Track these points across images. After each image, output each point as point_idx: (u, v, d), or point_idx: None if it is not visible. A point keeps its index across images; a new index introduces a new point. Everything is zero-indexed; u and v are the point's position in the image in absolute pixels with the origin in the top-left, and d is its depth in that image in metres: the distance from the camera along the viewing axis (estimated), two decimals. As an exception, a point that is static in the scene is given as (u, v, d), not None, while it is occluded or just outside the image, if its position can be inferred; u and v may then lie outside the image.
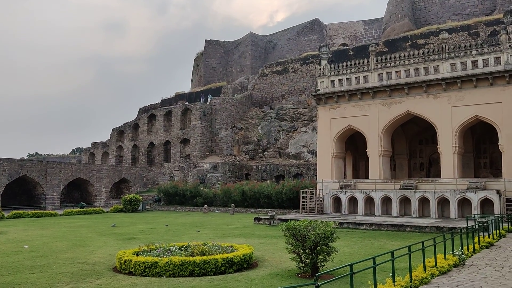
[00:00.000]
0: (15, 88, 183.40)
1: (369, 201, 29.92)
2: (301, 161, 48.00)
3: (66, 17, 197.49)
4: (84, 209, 38.42)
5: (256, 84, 61.47)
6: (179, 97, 64.65)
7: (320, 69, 33.65)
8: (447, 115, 28.16)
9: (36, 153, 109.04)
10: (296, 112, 53.17)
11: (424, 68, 29.26)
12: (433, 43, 46.12)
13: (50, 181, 41.83)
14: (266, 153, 51.89)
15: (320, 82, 33.31)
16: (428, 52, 29.80)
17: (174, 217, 33.15)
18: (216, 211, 39.17)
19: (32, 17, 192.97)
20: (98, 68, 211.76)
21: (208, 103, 54.77)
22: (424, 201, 27.89)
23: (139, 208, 40.69)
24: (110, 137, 61.07)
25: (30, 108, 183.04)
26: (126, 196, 40.51)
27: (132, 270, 11.71)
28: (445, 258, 11.88)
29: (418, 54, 30.13)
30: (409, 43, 49.08)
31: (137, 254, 12.82)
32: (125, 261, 11.97)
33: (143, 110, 66.86)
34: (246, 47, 71.65)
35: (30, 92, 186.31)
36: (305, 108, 53.57)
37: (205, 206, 38.79)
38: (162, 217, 33.81)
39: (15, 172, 39.37)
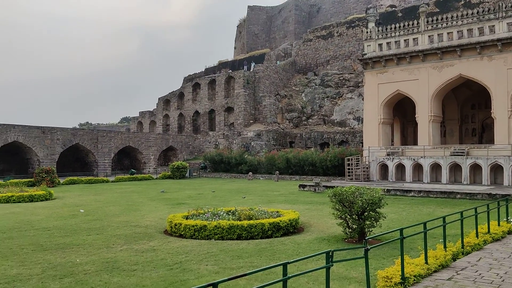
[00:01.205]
0: (65, 59, 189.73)
1: (417, 168, 29.18)
2: (347, 128, 47.26)
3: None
4: (134, 175, 39.84)
5: (300, 50, 60.40)
6: (223, 65, 64.69)
7: (367, 32, 32.49)
8: (502, 78, 26.62)
9: (87, 122, 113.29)
10: (341, 78, 52.04)
11: (478, 28, 27.59)
12: (488, 2, 43.29)
13: (101, 149, 43.50)
14: (310, 120, 51.41)
15: (367, 46, 32.22)
16: (483, 11, 28.01)
17: (220, 184, 33.78)
18: (261, 178, 39.55)
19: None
20: (143, 37, 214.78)
21: (251, 70, 54.53)
22: (475, 168, 26.89)
23: (186, 175, 41.73)
24: (157, 106, 62.39)
25: (79, 79, 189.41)
26: (173, 163, 41.57)
27: (182, 233, 12.09)
28: (498, 225, 11.48)
29: (472, 13, 28.37)
30: (462, 2, 46.32)
31: (187, 218, 13.19)
32: (175, 225, 12.35)
33: (187, 79, 67.54)
34: (289, 12, 70.18)
35: (79, 63, 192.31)
36: (350, 73, 52.30)
37: (250, 173, 39.22)
38: (208, 183, 34.54)
39: (69, 141, 41.16)
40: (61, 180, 34.13)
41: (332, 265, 5.57)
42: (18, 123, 38.62)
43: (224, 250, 10.34)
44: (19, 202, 21.46)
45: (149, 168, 47.73)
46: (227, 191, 27.44)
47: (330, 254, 5.53)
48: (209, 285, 3.82)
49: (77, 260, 9.48)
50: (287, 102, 53.16)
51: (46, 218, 15.81)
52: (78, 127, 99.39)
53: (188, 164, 43.12)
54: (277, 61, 59.70)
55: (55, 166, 38.71)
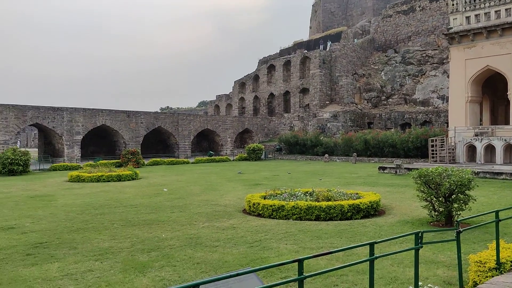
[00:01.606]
0: (143, 45, 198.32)
1: (509, 149, 26.99)
2: (430, 107, 44.84)
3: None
4: (212, 157, 40.97)
5: (379, 27, 57.95)
6: (298, 45, 63.93)
7: (452, 4, 30.26)
8: None
9: (167, 106, 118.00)
10: (424, 55, 49.26)
11: None
12: None
13: (181, 132, 45.17)
14: (390, 100, 49.42)
15: (453, 19, 30.04)
16: None
17: (295, 166, 33.71)
18: (337, 160, 38.88)
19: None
20: (218, 21, 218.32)
21: (327, 50, 53.35)
22: None
23: (261, 156, 42.16)
24: (233, 89, 63.37)
25: (158, 64, 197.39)
26: (249, 146, 42.15)
27: (260, 213, 12.19)
28: None
29: None
30: None
31: (264, 198, 13.27)
32: (254, 204, 12.47)
33: (262, 61, 67.69)
34: (367, -12, 67.37)
35: (157, 49, 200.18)
36: (434, 49, 49.32)
37: (326, 155, 38.68)
38: (284, 165, 34.60)
39: (151, 124, 43.18)
40: (145, 161, 35.96)
41: (422, 247, 5.25)
42: (105, 107, 41.12)
43: (302, 230, 10.26)
44: (108, 181, 22.92)
45: (226, 150, 48.84)
46: (303, 172, 27.29)
47: (420, 235, 5.21)
48: (294, 260, 3.74)
49: (163, 235, 9.90)
50: (365, 81, 51.44)
51: (133, 196, 16.72)
52: (159, 111, 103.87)
53: (263, 146, 43.50)
54: (355, 39, 57.80)
55: (140, 148, 40.86)
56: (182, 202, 15.00)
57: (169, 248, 8.73)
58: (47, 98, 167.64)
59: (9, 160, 27.51)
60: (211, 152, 45.14)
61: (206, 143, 52.41)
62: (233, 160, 41.87)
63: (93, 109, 39.42)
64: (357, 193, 13.92)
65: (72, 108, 38.01)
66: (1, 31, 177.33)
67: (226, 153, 48.24)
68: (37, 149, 49.43)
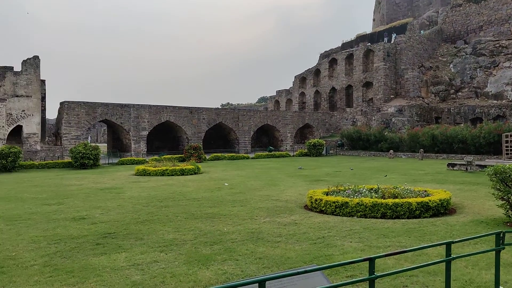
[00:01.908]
0: (204, 44, 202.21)
1: None
2: (504, 101, 42.02)
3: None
4: (272, 152, 40.95)
5: (448, 17, 55.10)
6: (360, 38, 62.33)
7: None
8: None
9: (228, 102, 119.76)
10: (497, 45, 46.22)
11: None
12: None
13: (242, 127, 45.57)
14: (459, 93, 46.88)
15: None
16: None
17: (358, 162, 32.87)
18: (403, 156, 37.47)
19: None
20: (278, 17, 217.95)
21: (392, 42, 51.52)
22: None
23: (322, 152, 41.54)
24: (293, 84, 62.99)
25: (219, 62, 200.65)
26: (310, 141, 41.68)
27: (323, 209, 11.90)
28: None
29: None
30: None
31: (327, 194, 12.96)
32: (316, 200, 12.20)
33: (323, 55, 66.70)
34: (434, -23, 64.29)
35: (218, 47, 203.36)
36: (508, 39, 46.12)
37: (391, 151, 37.39)
38: (346, 161, 33.85)
39: (213, 120, 43.90)
40: (207, 156, 36.62)
41: (504, 248, 4.80)
42: (169, 104, 42.33)
43: (367, 228, 9.88)
44: (172, 175, 23.53)
45: (286, 146, 48.66)
46: (366, 169, 26.52)
47: (502, 235, 4.76)
48: (365, 259, 3.51)
49: (225, 229, 9.92)
50: (433, 74, 49.14)
51: (196, 190, 17.00)
52: (219, 107, 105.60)
53: (324, 142, 42.85)
54: (421, 31, 55.36)
55: (201, 143, 41.70)
56: (243, 197, 15.02)
57: (231, 242, 8.71)
58: (117, 97, 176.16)
59: (80, 154, 29.05)
60: (270, 147, 45.15)
61: (266, 139, 52.53)
62: (293, 155, 41.61)
63: (158, 105, 40.72)
64: (425, 191, 13.23)
65: (138, 105, 39.48)
66: (94, 43, 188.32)
67: (286, 148, 48.07)
68: (106, 144, 51.98)
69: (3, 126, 32.60)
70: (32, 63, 34.46)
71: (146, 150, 39.72)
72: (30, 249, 8.32)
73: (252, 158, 38.35)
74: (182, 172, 23.89)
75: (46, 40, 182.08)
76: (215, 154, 37.99)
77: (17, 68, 34.27)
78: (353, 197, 12.06)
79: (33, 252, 8.09)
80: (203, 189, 17.41)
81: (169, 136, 45.12)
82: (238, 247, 8.34)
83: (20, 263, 7.44)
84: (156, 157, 34.46)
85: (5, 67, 34.21)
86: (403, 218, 11.02)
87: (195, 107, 43.07)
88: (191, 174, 24.00)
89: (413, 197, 12.15)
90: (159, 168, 24.10)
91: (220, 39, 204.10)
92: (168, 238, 9.11)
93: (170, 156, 34.30)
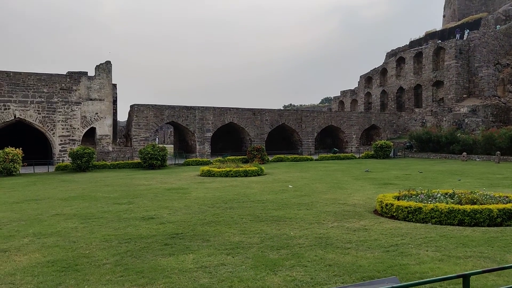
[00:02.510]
0: (267, 47, 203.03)
1: None
2: None
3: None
4: (336, 154, 40.14)
5: (527, 10, 51.21)
6: (430, 36, 59.56)
7: None
8: None
9: (290, 104, 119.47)
10: None
11: None
12: None
13: (305, 129, 45.09)
14: (541, 91, 43.38)
15: None
16: None
17: (428, 164, 31.33)
18: (477, 159, 35.26)
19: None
20: (342, 16, 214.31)
21: (464, 39, 48.72)
22: None
23: (390, 154, 40.10)
24: (358, 84, 61.46)
25: (281, 64, 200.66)
26: (377, 142, 40.39)
27: (394, 214, 11.31)
28: None
29: None
30: None
31: (398, 198, 12.33)
32: (386, 205, 11.63)
33: (390, 54, 64.48)
34: (512, -33, 60.05)
35: (282, 49, 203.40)
36: None
37: (464, 153, 35.29)
38: (416, 164, 32.39)
39: (276, 121, 43.82)
40: (270, 158, 36.56)
41: None
42: (233, 106, 42.80)
43: (444, 236, 9.21)
44: (236, 176, 23.65)
45: (351, 147, 47.50)
46: (438, 172, 25.17)
47: None
48: (459, 276, 3.12)
49: (291, 233, 9.68)
50: (510, 72, 45.84)
51: (260, 192, 16.91)
52: (282, 108, 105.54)
53: (392, 143, 41.33)
54: (497, 26, 51.89)
55: (264, 144, 41.74)
56: (309, 200, 14.69)
57: (298, 247, 8.45)
58: (183, 101, 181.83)
59: (149, 155, 30.06)
60: (335, 149, 44.29)
61: (330, 140, 51.62)
62: (359, 157, 40.52)
63: (221, 107, 41.30)
64: (506, 196, 12.20)
65: (203, 107, 40.27)
66: (165, 52, 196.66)
67: (351, 150, 46.94)
68: (172, 145, 53.57)
69: (78, 128, 34.51)
70: (105, 68, 36.20)
71: (210, 151, 40.40)
72: (102, 248, 8.56)
73: (316, 160, 37.79)
74: (246, 174, 23.95)
75: (116, 48, 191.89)
76: (278, 155, 37.84)
77: (91, 73, 36.17)
78: (427, 202, 11.36)
79: (105, 251, 8.31)
80: (267, 191, 17.28)
81: (232, 137, 45.63)
82: (306, 252, 8.06)
83: (93, 261, 7.65)
84: (220, 158, 34.92)
85: (80, 72, 36.23)
86: (482, 226, 10.21)
87: (258, 109, 43.19)
88: (254, 176, 23.99)
89: (493, 203, 11.24)
90: (223, 169, 24.32)
91: (284, 41, 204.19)
92: (234, 240, 9.01)
93: (234, 157, 34.63)
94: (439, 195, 12.21)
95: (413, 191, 12.92)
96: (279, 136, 47.35)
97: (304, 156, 38.84)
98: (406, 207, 11.06)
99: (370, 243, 8.66)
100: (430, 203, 11.11)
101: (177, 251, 8.25)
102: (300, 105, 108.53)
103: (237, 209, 12.99)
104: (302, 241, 8.90)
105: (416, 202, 11.53)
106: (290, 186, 18.91)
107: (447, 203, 11.19)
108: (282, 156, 37.58)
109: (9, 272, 7.07)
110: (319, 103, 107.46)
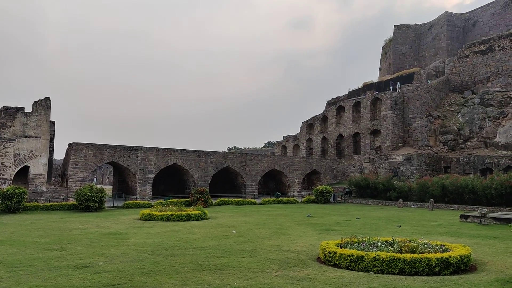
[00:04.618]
0: (215, 92, 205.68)
1: None
2: (514, 152, 41.57)
3: (257, 22, 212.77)
4: (279, 198, 40.33)
5: (455, 68, 55.70)
6: (367, 87, 62.90)
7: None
8: None
9: (235, 146, 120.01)
10: (505, 96, 46.30)
11: None
12: None
13: (249, 172, 45.19)
14: (468, 143, 46.58)
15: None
16: None
17: (367, 210, 32.19)
18: (412, 206, 36.72)
19: (227, 28, 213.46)
20: (286, 65, 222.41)
21: (397, 91, 51.86)
22: None
23: (330, 199, 40.88)
24: (300, 130, 63.09)
25: (226, 107, 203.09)
26: (317, 187, 41.12)
27: (337, 262, 11.34)
28: None
29: None
30: None
31: (340, 246, 12.42)
32: (329, 253, 11.66)
33: (330, 103, 67.20)
34: (440, 28, 65.68)
35: (228, 93, 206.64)
36: (517, 90, 46.24)
37: (400, 200, 36.70)
38: (355, 209, 33.17)
39: (220, 164, 43.64)
40: (213, 201, 36.05)
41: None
42: (177, 147, 42.22)
43: (386, 286, 9.30)
44: (178, 220, 22.98)
45: (293, 192, 48.04)
46: (376, 218, 25.86)
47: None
48: None
49: (235, 283, 9.39)
50: (441, 123, 49.03)
51: (203, 238, 16.46)
52: (226, 151, 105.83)
53: (332, 189, 42.25)
54: (428, 80, 55.88)
55: (208, 187, 41.22)
56: (252, 246, 14.46)
57: (242, 299, 8.18)
58: (121, 139, 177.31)
59: (86, 196, 28.66)
60: (278, 193, 44.57)
61: (273, 184, 51.99)
62: (301, 202, 40.94)
63: (165, 148, 40.61)
64: (443, 245, 12.66)
65: (146, 147, 39.40)
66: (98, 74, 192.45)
67: (293, 194, 47.43)
68: (111, 186, 51.56)
69: (10, 166, 32.48)
70: (43, 104, 34.75)
71: (151, 193, 39.25)
72: (29, 302, 7.82)
73: (259, 203, 37.72)
74: (188, 218, 23.35)
75: (57, 85, 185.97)
76: (222, 198, 37.43)
77: (28, 109, 34.54)
78: (369, 251, 11.52)
79: (32, 305, 7.60)
80: (211, 236, 16.87)
81: (175, 179, 44.75)
82: (250, 304, 7.80)
83: (17, 317, 6.95)
84: (161, 200, 33.95)
85: (16, 108, 34.49)
86: (422, 275, 10.45)
87: (203, 151, 42.93)
88: (197, 220, 23.44)
89: (431, 252, 11.60)
90: (165, 213, 23.59)
91: (230, 85, 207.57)
92: (175, 292, 8.58)
93: (176, 200, 33.80)
94: (380, 243, 12.43)
95: (354, 238, 13.08)
96: (223, 179, 47.04)
97: (247, 200, 38.69)
98: (349, 255, 11.14)
99: (314, 294, 8.55)
100: (372, 252, 11.26)
101: (113, 305, 7.70)
102: (244, 148, 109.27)
103: (178, 256, 12.50)
104: (246, 292, 8.64)
105: (358, 250, 11.66)
106: (233, 231, 18.60)
107: (388, 252, 11.40)
108: (226, 199, 37.20)
109: None
110: (262, 147, 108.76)
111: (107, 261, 11.68)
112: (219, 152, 45.13)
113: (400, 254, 11.07)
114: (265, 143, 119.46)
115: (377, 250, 11.59)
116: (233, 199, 37.66)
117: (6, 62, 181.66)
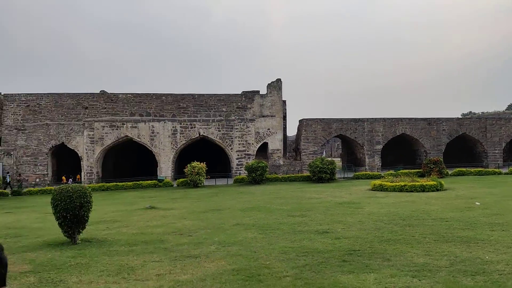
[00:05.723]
0: (438, 56, 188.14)
1: None
2: None
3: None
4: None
5: None
6: None
7: None
8: None
9: (470, 111, 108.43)
10: None
11: None
12: None
13: (490, 138, 40.18)
14: None
15: None
16: None
17: None
18: None
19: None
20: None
21: None
22: None
23: None
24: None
25: (453, 67, 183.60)
26: None
27: None
28: None
29: None
30: None
31: None
32: None
33: None
34: None
35: (454, 56, 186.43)
36: None
37: None
38: None
39: (454, 131, 40.02)
40: (449, 171, 33.41)
41: None
42: (405, 116, 40.50)
43: None
44: (411, 191, 22.08)
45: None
46: None
47: None
48: None
49: (486, 257, 8.45)
50: None
51: (441, 209, 15.41)
52: (461, 117, 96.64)
53: None
54: None
55: (442, 156, 38.39)
56: (503, 219, 12.78)
57: (497, 274, 7.29)
58: (348, 111, 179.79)
59: (318, 168, 30.26)
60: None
61: (521, 151, 45.01)
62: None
63: (392, 118, 39.49)
64: None
65: (372, 118, 39.08)
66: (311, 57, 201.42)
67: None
68: (340, 159, 53.22)
69: (252, 143, 36.76)
70: (275, 86, 37.99)
71: (380, 164, 38.87)
72: (281, 259, 8.67)
73: (505, 173, 33.19)
74: (423, 188, 22.20)
75: (283, 60, 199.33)
76: (459, 169, 34.30)
77: (262, 91, 38.29)
78: None
79: (284, 263, 8.39)
80: (450, 208, 15.65)
81: (404, 150, 43.15)
82: (509, 281, 6.88)
83: (273, 272, 7.77)
84: (391, 171, 33.28)
85: (253, 91, 38.69)
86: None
87: (434, 118, 40.08)
88: (432, 191, 22.09)
89: None
90: (397, 184, 23.00)
91: (454, 42, 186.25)
92: (418, 262, 8.23)
93: (407, 171, 32.63)
94: None
95: None
96: (458, 147, 43.11)
97: (490, 170, 34.50)
98: None
99: None
100: None
101: (356, 269, 7.87)
102: (482, 112, 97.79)
103: (417, 227, 11.98)
104: (502, 267, 7.67)
105: None
106: (477, 203, 16.83)
107: None
108: (463, 169, 33.94)
109: (200, 278, 7.61)
110: (506, 109, 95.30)
111: (345, 228, 12.04)
112: (453, 118, 41.42)
113: None
114: (508, 105, 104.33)
115: None
116: (472, 169, 34.09)
117: (245, 47, 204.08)
